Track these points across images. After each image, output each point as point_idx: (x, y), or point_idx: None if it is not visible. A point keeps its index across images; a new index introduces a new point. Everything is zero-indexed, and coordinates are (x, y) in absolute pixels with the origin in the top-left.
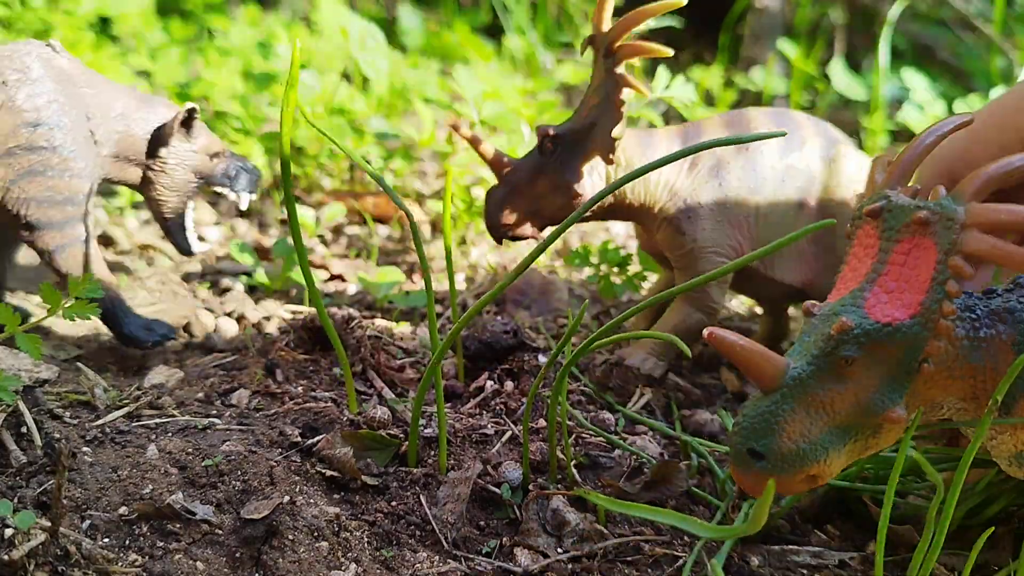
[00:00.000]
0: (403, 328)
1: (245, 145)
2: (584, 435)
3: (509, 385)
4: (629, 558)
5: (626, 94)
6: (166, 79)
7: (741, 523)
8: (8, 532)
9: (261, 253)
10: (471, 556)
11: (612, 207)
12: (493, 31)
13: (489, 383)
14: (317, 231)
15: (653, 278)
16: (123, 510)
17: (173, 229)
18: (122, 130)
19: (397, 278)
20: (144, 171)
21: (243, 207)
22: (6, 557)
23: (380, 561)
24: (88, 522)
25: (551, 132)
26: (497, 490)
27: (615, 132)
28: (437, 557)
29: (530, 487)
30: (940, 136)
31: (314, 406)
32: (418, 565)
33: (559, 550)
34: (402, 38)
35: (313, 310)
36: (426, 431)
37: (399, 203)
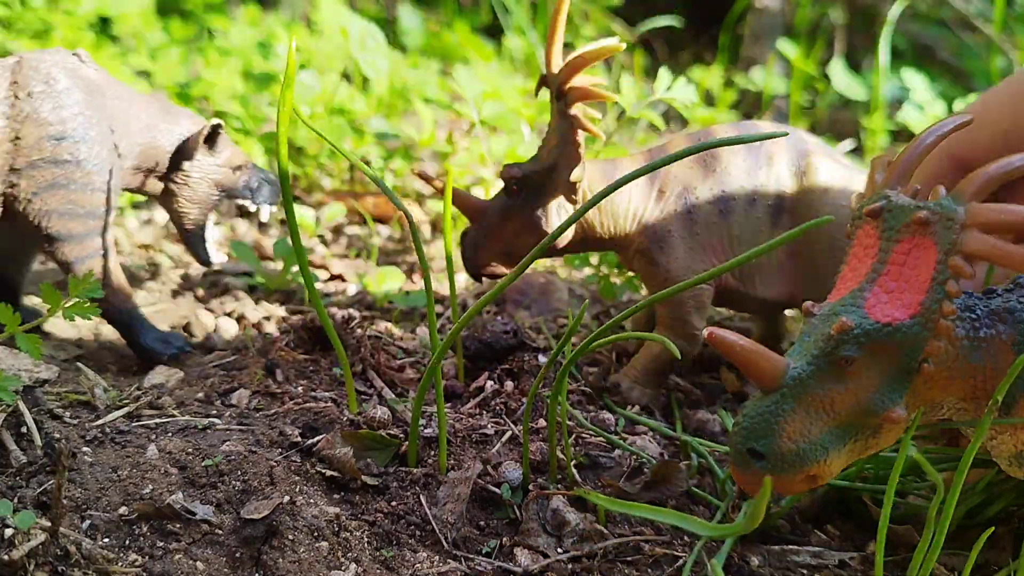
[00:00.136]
0: (402, 328)
1: (245, 145)
2: (584, 435)
3: (509, 385)
4: (629, 558)
5: (582, 136)
6: (166, 79)
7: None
8: (8, 532)
9: (261, 253)
10: (471, 556)
11: (585, 240)
12: (493, 31)
13: (489, 383)
14: (317, 231)
15: None
16: (123, 510)
17: (193, 240)
18: (145, 143)
19: (397, 278)
20: (166, 183)
21: (264, 219)
22: (6, 557)
23: (380, 561)
24: (88, 522)
25: (516, 174)
26: (497, 490)
27: (574, 176)
28: (437, 557)
29: (530, 487)
30: (940, 136)
31: (314, 406)
32: (418, 565)
33: (559, 550)
34: (402, 38)
35: (313, 310)
36: (426, 431)
37: (398, 204)
